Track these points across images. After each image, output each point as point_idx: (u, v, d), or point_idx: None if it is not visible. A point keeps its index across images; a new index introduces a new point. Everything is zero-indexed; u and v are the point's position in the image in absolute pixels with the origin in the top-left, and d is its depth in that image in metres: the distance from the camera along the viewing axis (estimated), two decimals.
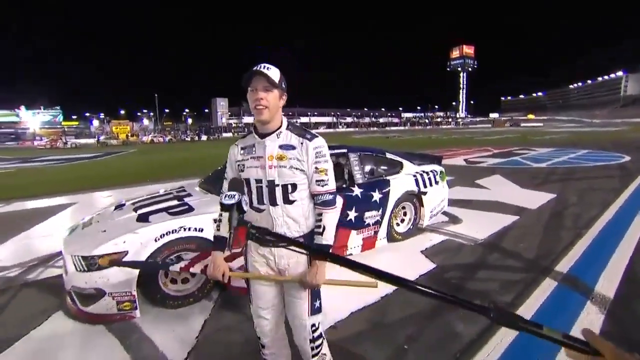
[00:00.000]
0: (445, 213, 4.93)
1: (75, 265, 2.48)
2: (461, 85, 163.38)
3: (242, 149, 1.56)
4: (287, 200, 1.48)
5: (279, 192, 1.47)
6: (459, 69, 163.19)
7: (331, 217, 1.50)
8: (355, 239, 3.55)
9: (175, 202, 3.09)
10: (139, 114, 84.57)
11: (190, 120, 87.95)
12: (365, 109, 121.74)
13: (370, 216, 3.64)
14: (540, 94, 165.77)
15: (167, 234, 2.53)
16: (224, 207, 1.28)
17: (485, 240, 3.98)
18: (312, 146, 1.47)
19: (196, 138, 50.38)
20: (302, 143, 1.48)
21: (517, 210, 5.19)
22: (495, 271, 3.24)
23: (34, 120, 66.60)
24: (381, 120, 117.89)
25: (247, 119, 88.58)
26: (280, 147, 1.47)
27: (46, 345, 2.30)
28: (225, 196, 1.29)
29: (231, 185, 1.42)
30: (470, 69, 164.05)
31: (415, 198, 4.21)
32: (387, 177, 4.01)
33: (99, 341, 2.32)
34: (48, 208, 6.33)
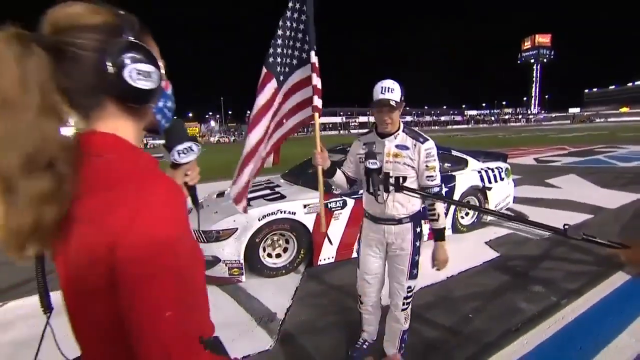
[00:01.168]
0: (510, 209, 5.00)
1: (197, 238, 3.21)
2: (534, 79, 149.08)
3: (364, 144, 1.92)
4: (399, 190, 1.79)
5: (392, 182, 1.82)
6: (532, 60, 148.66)
7: (440, 206, 1.86)
8: (423, 228, 3.89)
9: (268, 191, 3.75)
10: (206, 116, 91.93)
11: None
12: (426, 107, 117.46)
13: None
14: (638, 82, 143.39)
15: (267, 215, 3.16)
16: (369, 170, 1.72)
17: (552, 235, 4.03)
18: (424, 148, 1.80)
19: None
20: (415, 145, 1.81)
21: (593, 209, 5.03)
22: (560, 262, 3.36)
23: None
24: (443, 118, 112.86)
25: None
26: (397, 146, 1.82)
27: None
28: (369, 162, 1.71)
29: (370, 155, 1.75)
30: (545, 60, 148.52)
31: (479, 193, 4.41)
32: (453, 173, 4.27)
33: (216, 297, 3.00)
34: None
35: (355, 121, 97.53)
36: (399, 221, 1.88)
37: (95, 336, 0.56)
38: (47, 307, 0.63)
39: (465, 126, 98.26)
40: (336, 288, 3.02)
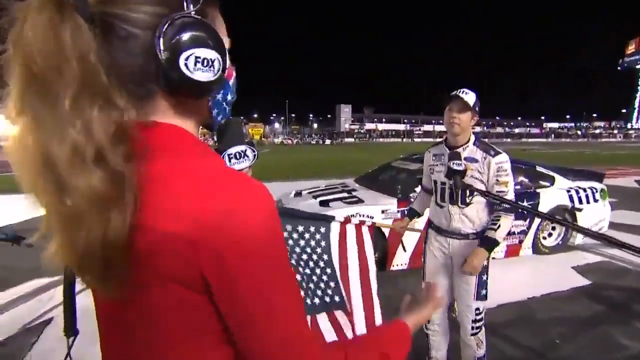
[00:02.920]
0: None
1: None
2: (639, 87, 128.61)
3: (433, 155, 1.96)
4: (464, 202, 1.80)
5: (459, 194, 1.80)
6: (638, 66, 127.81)
7: (507, 222, 1.73)
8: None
9: (345, 194, 3.94)
10: (271, 117, 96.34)
11: (315, 125, 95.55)
12: (498, 118, 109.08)
13: (515, 225, 3.79)
14: None
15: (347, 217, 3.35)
16: (452, 171, 1.62)
17: None
18: (494, 161, 1.73)
19: (321, 142, 54.37)
20: (485, 158, 1.75)
21: None
22: None
23: None
24: (517, 130, 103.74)
25: (369, 126, 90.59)
26: (465, 158, 1.76)
27: None
28: (454, 164, 1.62)
29: (454, 156, 1.69)
30: None
31: (567, 213, 4.10)
32: (537, 190, 4.04)
33: None
34: None
35: (419, 129, 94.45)
36: (465, 236, 1.83)
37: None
38: (71, 331, 0.58)
39: (544, 140, 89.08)
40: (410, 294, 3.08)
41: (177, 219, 0.42)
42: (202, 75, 0.46)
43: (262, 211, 0.44)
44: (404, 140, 78.59)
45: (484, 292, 1.82)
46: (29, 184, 0.42)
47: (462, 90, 1.78)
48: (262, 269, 0.44)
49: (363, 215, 3.35)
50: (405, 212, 2.27)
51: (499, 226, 1.72)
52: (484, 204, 1.82)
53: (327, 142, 55.09)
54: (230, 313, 0.44)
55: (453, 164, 1.62)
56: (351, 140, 67.39)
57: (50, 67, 0.39)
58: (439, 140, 2.07)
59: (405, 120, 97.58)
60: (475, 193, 1.78)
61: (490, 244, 1.73)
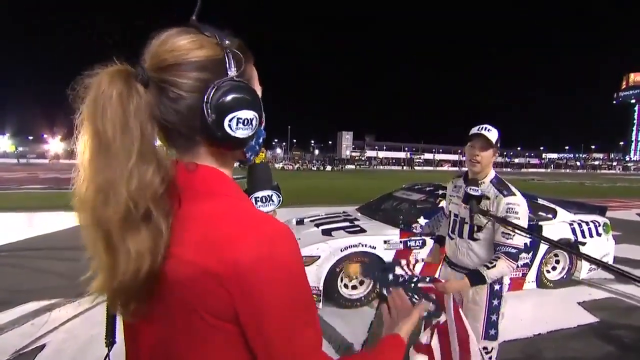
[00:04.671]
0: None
1: None
2: (635, 121, 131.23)
3: (454, 186, 1.99)
4: (472, 237, 1.80)
5: (466, 228, 1.82)
6: (633, 100, 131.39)
7: (505, 266, 1.63)
8: (504, 287, 3.71)
9: (347, 223, 3.93)
10: (273, 142, 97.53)
11: (317, 151, 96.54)
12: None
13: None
14: None
15: (349, 247, 3.33)
16: (468, 196, 1.66)
17: None
18: (505, 201, 1.69)
19: (321, 168, 54.63)
20: (496, 197, 1.73)
21: None
22: None
23: None
24: (516, 160, 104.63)
25: (370, 153, 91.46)
26: None
27: None
28: (470, 189, 1.66)
29: (472, 182, 1.73)
30: None
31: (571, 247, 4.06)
32: (539, 222, 4.03)
33: None
34: None
35: (420, 158, 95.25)
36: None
37: None
38: (111, 340, 0.64)
39: (543, 170, 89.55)
40: None
41: (208, 255, 0.46)
42: (243, 133, 0.52)
43: (287, 250, 0.49)
44: (404, 168, 79.02)
45: (492, 332, 1.77)
46: (85, 234, 0.48)
47: (484, 127, 1.77)
48: (285, 302, 0.48)
49: (365, 245, 3.34)
50: (433, 240, 2.24)
51: (494, 266, 1.64)
52: (492, 242, 1.76)
53: (328, 168, 55.42)
54: (255, 338, 0.49)
55: (470, 189, 1.68)
56: (352, 167, 67.76)
57: (116, 136, 0.45)
58: (464, 169, 2.09)
59: (406, 148, 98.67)
60: (484, 225, 1.74)
61: (475, 279, 1.65)
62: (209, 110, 0.49)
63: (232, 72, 0.52)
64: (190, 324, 0.48)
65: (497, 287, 1.78)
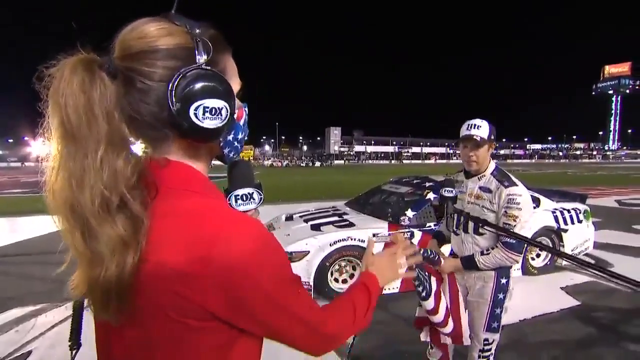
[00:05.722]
0: (589, 255, 4.62)
1: None
2: (612, 111, 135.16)
3: (455, 181, 1.93)
4: (477, 232, 1.77)
5: (471, 223, 1.79)
6: (610, 91, 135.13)
7: (501, 256, 1.64)
8: (510, 282, 3.79)
9: (337, 218, 3.95)
10: (261, 140, 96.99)
11: (305, 147, 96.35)
12: None
13: None
14: None
15: (338, 241, 3.36)
16: (444, 198, 1.68)
17: None
18: (506, 192, 1.65)
19: (310, 164, 54.53)
20: (498, 188, 1.69)
21: None
22: None
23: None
24: (501, 152, 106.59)
25: (359, 148, 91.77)
26: (480, 188, 1.76)
27: None
28: (445, 190, 1.67)
29: (447, 183, 1.77)
30: (628, 91, 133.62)
31: (553, 234, 4.19)
32: None
33: None
34: None
35: (407, 151, 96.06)
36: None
37: None
38: (76, 343, 0.63)
39: (528, 161, 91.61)
40: (404, 319, 3.06)
41: (175, 254, 0.46)
42: (211, 123, 0.50)
43: (250, 239, 0.49)
44: (393, 162, 79.65)
45: (495, 324, 1.77)
46: (60, 226, 0.47)
47: (473, 125, 1.72)
48: (267, 288, 0.50)
49: (355, 239, 3.37)
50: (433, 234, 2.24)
51: (488, 254, 1.68)
52: (497, 236, 1.74)
53: (317, 164, 55.33)
54: (253, 327, 0.52)
55: (444, 190, 1.68)
56: (341, 162, 67.96)
57: (81, 124, 0.44)
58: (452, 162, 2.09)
59: (394, 142, 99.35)
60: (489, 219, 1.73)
61: (468, 264, 1.72)
62: (174, 99, 0.47)
63: (202, 60, 0.50)
64: (169, 329, 0.47)
65: (503, 280, 1.77)
